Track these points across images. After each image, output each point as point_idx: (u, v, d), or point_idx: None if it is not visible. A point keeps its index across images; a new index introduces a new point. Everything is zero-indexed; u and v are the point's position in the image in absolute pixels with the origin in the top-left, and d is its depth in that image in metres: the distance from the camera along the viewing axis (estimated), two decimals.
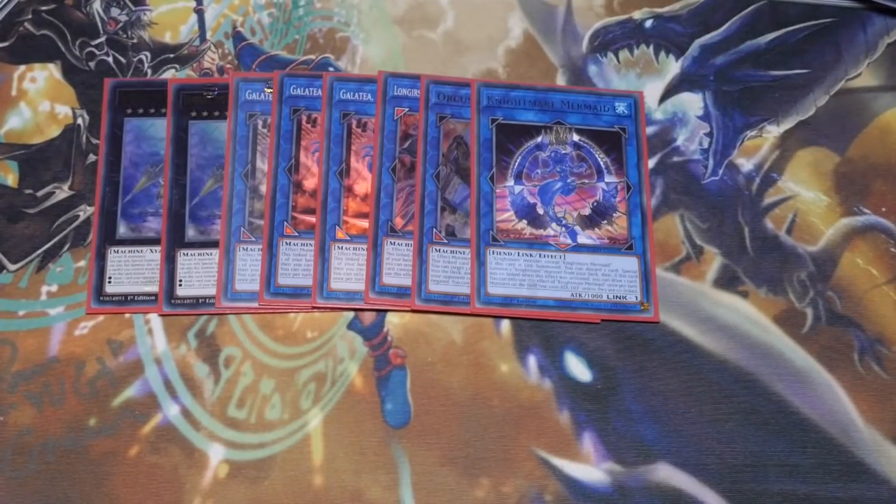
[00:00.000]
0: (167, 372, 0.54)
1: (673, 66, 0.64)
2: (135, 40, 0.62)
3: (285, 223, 0.56)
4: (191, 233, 0.56)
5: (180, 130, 0.58)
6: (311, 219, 0.56)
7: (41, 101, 0.60)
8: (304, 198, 0.57)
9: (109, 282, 0.55)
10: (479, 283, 0.55)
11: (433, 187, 0.57)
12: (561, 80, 0.63)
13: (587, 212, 0.58)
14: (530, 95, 0.60)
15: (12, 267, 0.56)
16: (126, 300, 0.55)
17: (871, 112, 0.63)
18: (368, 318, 0.56)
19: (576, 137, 0.60)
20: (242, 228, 0.56)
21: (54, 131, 0.60)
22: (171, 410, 0.53)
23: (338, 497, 0.52)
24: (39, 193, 0.58)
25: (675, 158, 0.61)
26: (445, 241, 0.56)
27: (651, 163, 0.61)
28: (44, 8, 0.63)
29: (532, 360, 0.56)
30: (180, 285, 0.55)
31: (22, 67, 0.61)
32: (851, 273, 0.59)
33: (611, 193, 0.59)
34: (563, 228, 0.57)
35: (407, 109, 0.59)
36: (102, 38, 0.62)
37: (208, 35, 0.63)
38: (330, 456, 0.53)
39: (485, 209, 0.57)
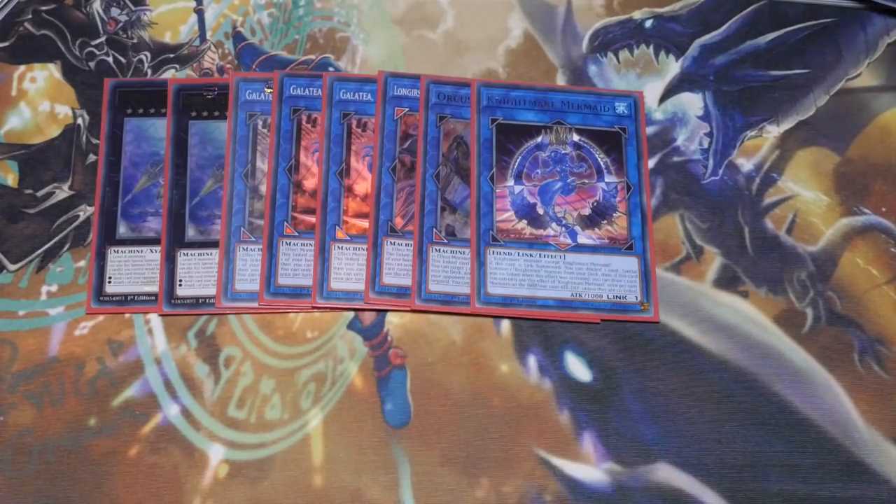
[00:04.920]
0: (167, 372, 0.54)
1: (673, 66, 0.64)
2: (135, 40, 0.62)
3: (285, 223, 0.56)
4: (191, 233, 0.56)
5: (180, 130, 0.58)
6: (311, 219, 0.56)
7: (41, 101, 0.60)
8: (304, 198, 0.57)
9: (109, 282, 0.55)
10: (479, 283, 0.55)
11: (433, 187, 0.57)
12: (561, 80, 0.63)
13: (587, 212, 0.58)
14: (530, 95, 0.60)
15: (12, 267, 0.56)
16: (126, 300, 0.55)
17: (871, 112, 0.63)
18: (368, 318, 0.56)
19: (576, 137, 0.60)
20: (242, 228, 0.56)
21: (54, 131, 0.60)
22: (171, 410, 0.53)
23: (338, 497, 0.52)
24: (39, 193, 0.58)
25: (675, 158, 0.61)
26: (445, 241, 0.56)
27: (651, 163, 0.61)
28: (44, 8, 0.63)
29: (532, 360, 0.56)
30: (180, 285, 0.55)
31: (22, 67, 0.61)
32: (851, 273, 0.59)
33: (611, 193, 0.59)
34: (563, 228, 0.57)
35: (407, 109, 0.59)
36: (102, 38, 0.62)
37: (208, 35, 0.63)
38: (330, 456, 0.53)
39: (485, 209, 0.57)
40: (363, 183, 0.57)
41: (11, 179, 0.58)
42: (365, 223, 0.56)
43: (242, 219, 0.56)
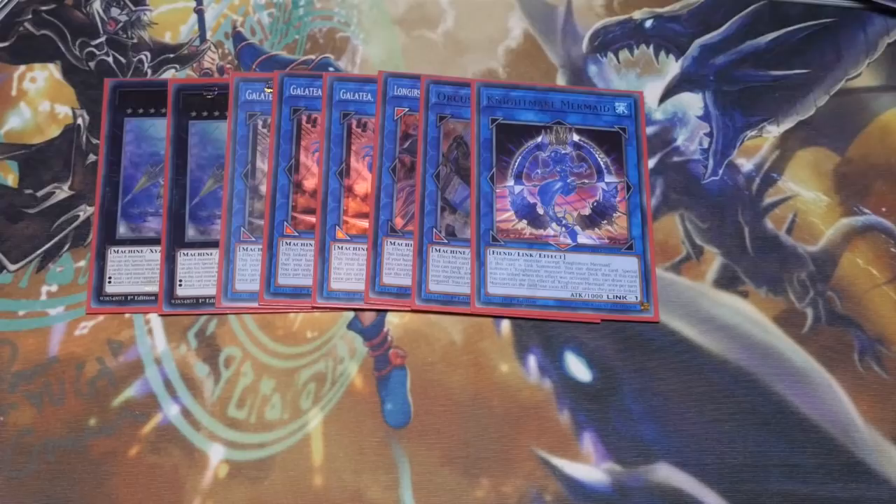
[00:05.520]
0: (167, 372, 0.54)
1: (673, 66, 0.64)
2: (135, 40, 0.62)
3: (285, 223, 0.56)
4: (191, 233, 0.56)
5: (180, 130, 0.58)
6: (311, 219, 0.56)
7: (41, 101, 0.60)
8: (304, 198, 0.57)
9: (109, 282, 0.55)
10: (479, 283, 0.55)
11: (433, 187, 0.57)
12: (561, 80, 0.63)
13: (587, 212, 0.58)
14: (530, 95, 0.60)
15: (12, 267, 0.56)
16: (126, 300, 0.55)
17: (871, 112, 0.63)
18: (368, 318, 0.56)
19: (576, 137, 0.60)
20: (242, 228, 0.56)
21: (54, 131, 0.60)
22: (171, 410, 0.53)
23: (338, 497, 0.52)
24: (39, 193, 0.58)
25: (675, 158, 0.61)
26: (445, 241, 0.56)
27: (651, 163, 0.61)
28: (44, 8, 0.63)
29: (532, 360, 0.56)
30: (180, 285, 0.55)
31: (22, 67, 0.61)
32: (851, 273, 0.59)
33: (611, 193, 0.59)
34: (563, 228, 0.57)
35: (407, 109, 0.59)
36: (102, 38, 0.62)
37: (208, 35, 0.63)
38: (330, 456, 0.53)
39: (485, 209, 0.57)
40: (363, 183, 0.57)
41: (11, 179, 0.58)
42: (365, 223, 0.56)
43: (242, 219, 0.56)
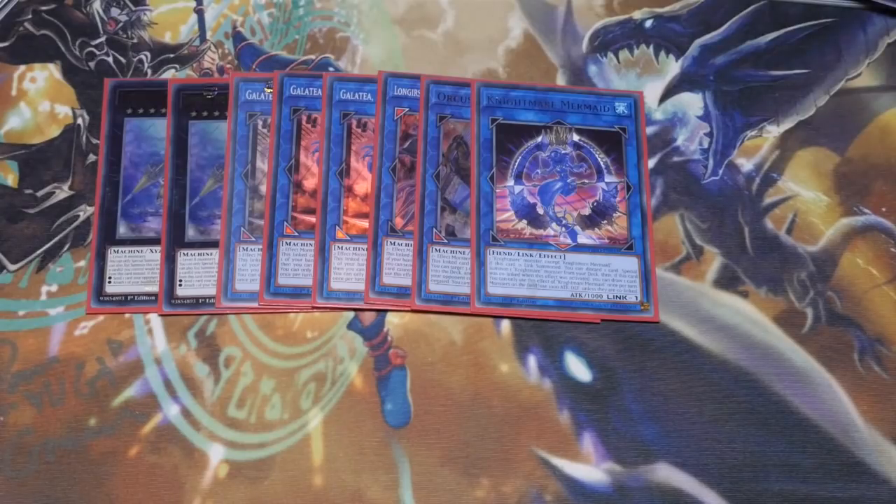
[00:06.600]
0: (167, 372, 0.54)
1: (673, 66, 0.64)
2: (135, 40, 0.62)
3: (285, 223, 0.56)
4: (191, 233, 0.56)
5: (180, 130, 0.58)
6: (311, 219, 0.56)
7: (41, 101, 0.60)
8: (304, 198, 0.57)
9: (109, 282, 0.55)
10: (479, 283, 0.55)
11: (433, 187, 0.57)
12: (561, 80, 0.63)
13: (587, 212, 0.58)
14: (530, 95, 0.60)
15: (12, 267, 0.56)
16: (126, 300, 0.55)
17: (871, 112, 0.63)
18: (368, 318, 0.56)
19: (576, 137, 0.60)
20: (242, 228, 0.56)
21: (54, 131, 0.60)
22: (171, 410, 0.53)
23: (338, 497, 0.52)
24: (39, 193, 0.58)
25: (675, 158, 0.61)
26: (445, 241, 0.56)
27: (651, 163, 0.61)
28: (44, 8, 0.63)
29: (532, 360, 0.56)
30: (180, 285, 0.55)
31: (22, 67, 0.61)
32: (851, 273, 0.59)
33: (611, 193, 0.59)
34: (563, 228, 0.57)
35: (407, 109, 0.59)
36: (102, 38, 0.62)
37: (208, 35, 0.63)
38: (330, 456, 0.53)
39: (485, 209, 0.57)
40: (363, 183, 0.57)
41: (11, 179, 0.58)
42: (365, 223, 0.56)
43: (242, 219, 0.56)
